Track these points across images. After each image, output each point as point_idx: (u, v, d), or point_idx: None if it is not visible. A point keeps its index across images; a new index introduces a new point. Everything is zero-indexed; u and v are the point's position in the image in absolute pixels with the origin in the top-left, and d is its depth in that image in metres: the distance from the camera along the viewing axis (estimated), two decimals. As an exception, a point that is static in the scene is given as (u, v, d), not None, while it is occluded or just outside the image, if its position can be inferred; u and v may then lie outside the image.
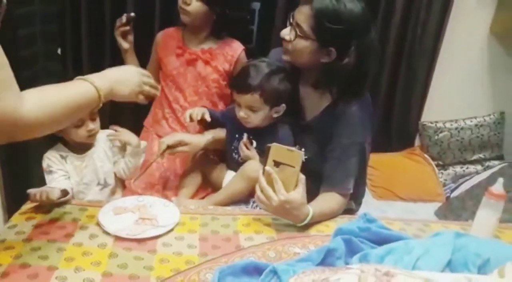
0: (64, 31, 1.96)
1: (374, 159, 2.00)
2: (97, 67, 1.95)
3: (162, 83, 1.79)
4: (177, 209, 1.27)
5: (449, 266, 1.00)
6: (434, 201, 2.30)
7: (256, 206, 1.47)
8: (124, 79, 1.15)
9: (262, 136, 1.51)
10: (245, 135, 1.55)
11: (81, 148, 1.43)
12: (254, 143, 1.54)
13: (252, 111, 1.45)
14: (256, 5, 2.30)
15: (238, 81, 1.47)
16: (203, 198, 1.66)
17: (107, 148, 1.45)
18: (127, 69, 1.23)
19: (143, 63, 1.78)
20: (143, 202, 1.28)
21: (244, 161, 1.52)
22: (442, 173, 2.46)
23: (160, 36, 1.82)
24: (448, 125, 2.44)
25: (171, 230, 1.17)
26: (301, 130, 1.51)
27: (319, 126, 1.45)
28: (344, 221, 1.34)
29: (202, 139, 1.60)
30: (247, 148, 1.52)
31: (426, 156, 2.46)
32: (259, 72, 1.41)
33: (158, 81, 1.74)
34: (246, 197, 1.51)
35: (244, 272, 0.99)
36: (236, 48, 1.75)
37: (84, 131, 1.39)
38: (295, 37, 1.32)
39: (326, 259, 1.05)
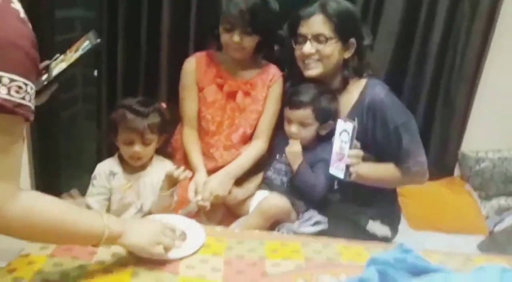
0: (100, 54, 1.92)
1: (410, 187, 1.89)
2: (131, 90, 2.01)
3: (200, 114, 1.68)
4: (203, 230, 1.23)
5: (495, 304, 0.91)
6: (476, 234, 2.14)
7: (282, 232, 1.42)
8: (141, 227, 1.06)
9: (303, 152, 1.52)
10: None
11: (133, 166, 1.42)
12: None
13: (303, 127, 1.49)
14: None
15: (291, 97, 1.52)
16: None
17: (158, 178, 1.42)
18: (151, 221, 1.19)
19: (176, 85, 1.70)
20: (168, 221, 1.25)
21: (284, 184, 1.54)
22: (484, 205, 2.31)
23: (193, 63, 1.66)
24: (490, 155, 2.29)
25: (196, 252, 1.14)
26: None
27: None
28: (378, 251, 1.27)
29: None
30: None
31: (467, 185, 2.32)
32: (310, 89, 1.48)
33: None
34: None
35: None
36: (275, 74, 1.66)
37: (128, 151, 1.37)
38: (322, 44, 1.42)
39: (357, 290, 0.98)
